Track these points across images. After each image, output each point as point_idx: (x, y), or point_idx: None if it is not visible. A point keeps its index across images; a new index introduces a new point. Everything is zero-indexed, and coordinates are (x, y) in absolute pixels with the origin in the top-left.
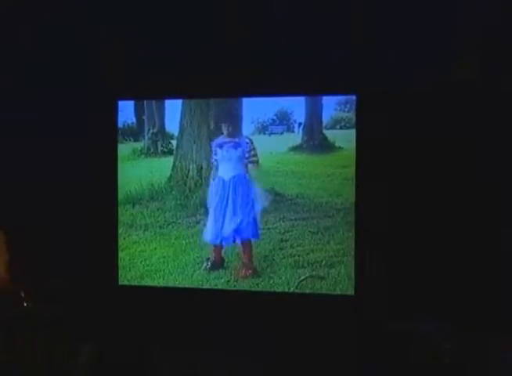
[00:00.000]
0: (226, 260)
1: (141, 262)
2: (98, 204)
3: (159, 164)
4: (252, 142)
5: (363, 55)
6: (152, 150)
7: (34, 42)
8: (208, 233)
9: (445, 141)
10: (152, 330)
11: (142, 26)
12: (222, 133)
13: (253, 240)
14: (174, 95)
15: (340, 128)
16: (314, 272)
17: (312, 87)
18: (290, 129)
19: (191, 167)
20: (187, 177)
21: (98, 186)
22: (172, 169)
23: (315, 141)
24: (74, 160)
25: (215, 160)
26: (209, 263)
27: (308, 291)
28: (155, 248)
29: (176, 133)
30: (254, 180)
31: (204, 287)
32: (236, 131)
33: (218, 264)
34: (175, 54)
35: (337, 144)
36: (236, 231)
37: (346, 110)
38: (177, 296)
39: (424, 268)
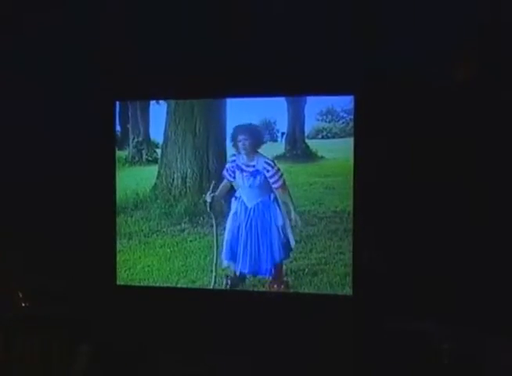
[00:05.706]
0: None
1: (125, 270)
2: (96, 204)
3: (143, 172)
4: (274, 166)
5: (362, 54)
6: (136, 158)
7: (33, 42)
8: (228, 255)
9: (445, 141)
10: (151, 330)
11: (141, 26)
12: (240, 152)
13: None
14: (173, 96)
15: (322, 137)
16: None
17: (311, 87)
18: (273, 138)
19: (176, 176)
20: (172, 186)
21: (97, 185)
22: (157, 178)
23: (298, 150)
24: (73, 159)
25: (230, 181)
26: (229, 281)
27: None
28: (139, 257)
29: (161, 142)
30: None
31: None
32: (252, 149)
33: (239, 281)
34: (175, 55)
35: (319, 154)
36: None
37: (327, 120)
38: (177, 296)
39: (423, 267)
